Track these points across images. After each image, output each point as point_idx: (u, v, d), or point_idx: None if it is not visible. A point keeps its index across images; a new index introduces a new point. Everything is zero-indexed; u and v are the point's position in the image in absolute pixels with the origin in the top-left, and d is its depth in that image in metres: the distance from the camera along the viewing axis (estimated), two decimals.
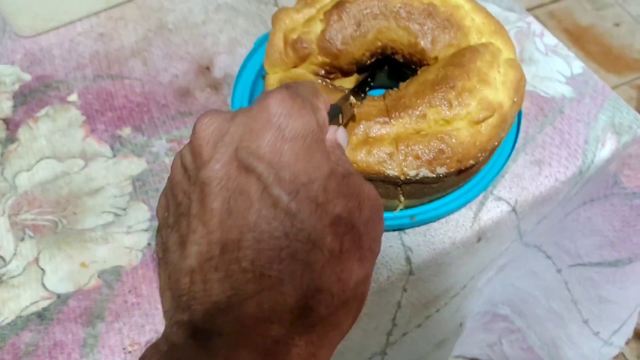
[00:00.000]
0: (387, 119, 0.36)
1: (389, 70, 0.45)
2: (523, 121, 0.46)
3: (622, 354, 1.07)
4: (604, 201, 0.50)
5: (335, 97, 0.34)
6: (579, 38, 1.60)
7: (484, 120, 0.35)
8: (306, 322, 0.22)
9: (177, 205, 0.25)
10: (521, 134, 0.46)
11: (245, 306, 0.21)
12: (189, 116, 0.48)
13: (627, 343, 0.66)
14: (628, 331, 0.64)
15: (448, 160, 0.35)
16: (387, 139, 0.36)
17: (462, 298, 0.49)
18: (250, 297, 0.21)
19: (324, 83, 0.40)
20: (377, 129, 0.35)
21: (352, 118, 0.36)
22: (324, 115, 0.26)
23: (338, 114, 0.30)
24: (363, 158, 0.35)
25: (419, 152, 0.35)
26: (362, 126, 0.36)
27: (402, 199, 0.38)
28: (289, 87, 0.26)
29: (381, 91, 0.40)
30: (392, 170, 0.35)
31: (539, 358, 0.71)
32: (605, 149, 0.45)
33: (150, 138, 0.46)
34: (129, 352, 0.36)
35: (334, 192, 0.23)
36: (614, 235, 0.52)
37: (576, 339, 0.65)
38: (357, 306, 0.24)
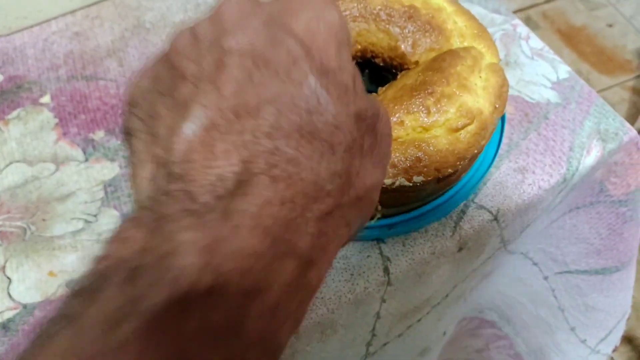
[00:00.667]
0: None
1: (370, 74, 0.43)
2: (507, 127, 0.45)
3: (611, 359, 1.07)
4: (589, 209, 0.49)
5: None
6: (572, 38, 1.59)
7: (463, 127, 0.34)
8: (322, 207, 0.20)
9: (175, 69, 0.21)
10: (505, 140, 0.44)
11: (256, 182, 0.18)
12: None
13: (614, 350, 0.65)
14: (615, 339, 0.63)
15: (425, 169, 0.34)
16: None
17: (444, 307, 0.48)
18: (261, 172, 0.19)
19: None
20: None
21: None
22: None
23: None
24: None
25: (396, 160, 0.34)
26: None
27: (379, 207, 0.37)
28: None
29: None
30: None
31: None
32: (591, 156, 0.44)
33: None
34: None
35: (361, 89, 0.22)
36: (600, 243, 0.51)
37: (563, 347, 0.64)
38: (368, 210, 0.22)
